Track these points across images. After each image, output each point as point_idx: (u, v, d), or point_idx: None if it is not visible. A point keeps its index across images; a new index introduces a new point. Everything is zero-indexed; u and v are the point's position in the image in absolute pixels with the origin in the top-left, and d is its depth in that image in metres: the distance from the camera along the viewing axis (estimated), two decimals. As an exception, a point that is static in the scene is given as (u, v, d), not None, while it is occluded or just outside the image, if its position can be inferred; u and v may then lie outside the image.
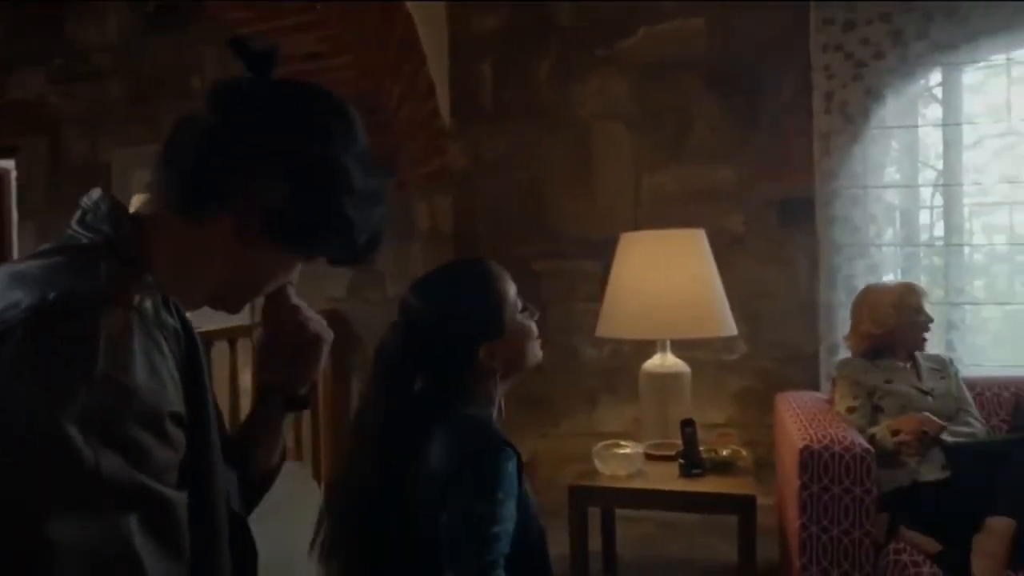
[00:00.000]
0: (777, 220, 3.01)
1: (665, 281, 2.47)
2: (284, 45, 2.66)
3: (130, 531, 0.63)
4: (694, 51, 3.10)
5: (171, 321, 0.71)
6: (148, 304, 0.69)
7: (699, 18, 3.10)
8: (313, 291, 3.00)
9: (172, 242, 0.78)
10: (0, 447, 0.60)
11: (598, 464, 2.35)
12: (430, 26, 3.10)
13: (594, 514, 2.41)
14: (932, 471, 2.14)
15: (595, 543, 2.46)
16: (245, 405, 2.54)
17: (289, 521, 1.61)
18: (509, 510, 1.14)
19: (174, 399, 0.70)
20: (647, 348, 2.70)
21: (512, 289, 1.32)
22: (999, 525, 1.94)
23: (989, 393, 2.52)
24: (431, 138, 3.25)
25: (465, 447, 1.19)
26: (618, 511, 2.67)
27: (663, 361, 2.57)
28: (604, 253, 2.97)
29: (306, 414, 2.85)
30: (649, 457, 2.42)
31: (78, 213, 0.77)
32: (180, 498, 0.69)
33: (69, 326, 0.64)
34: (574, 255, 3.25)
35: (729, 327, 2.53)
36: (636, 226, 3.00)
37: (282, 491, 1.77)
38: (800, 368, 2.94)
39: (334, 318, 2.99)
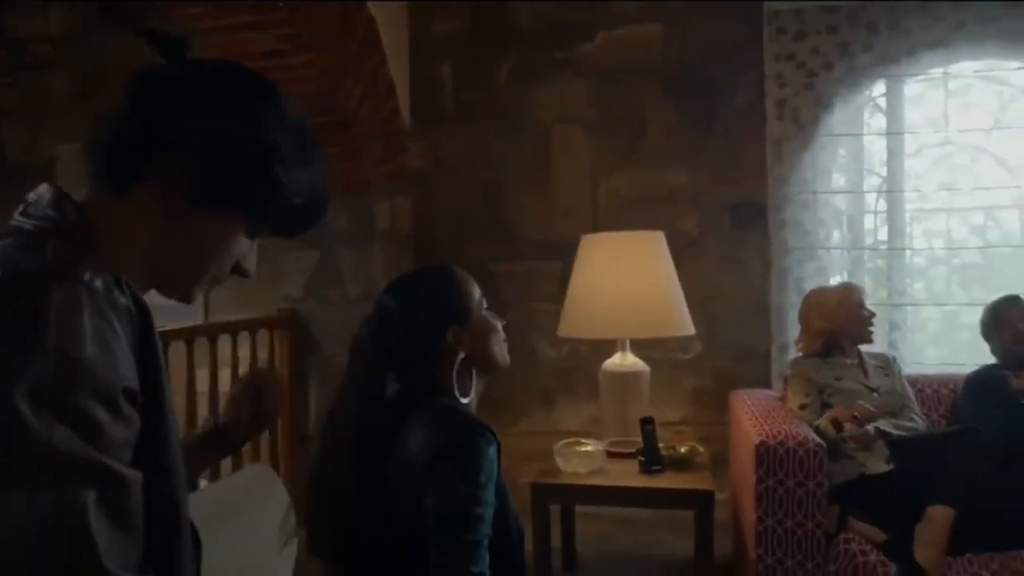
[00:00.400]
0: (731, 223, 3.10)
1: (626, 282, 2.52)
2: (243, 43, 2.62)
3: (85, 505, 0.63)
4: (652, 57, 3.18)
5: (123, 300, 0.72)
6: (98, 282, 0.69)
7: (657, 24, 3.17)
8: (270, 291, 2.97)
9: (111, 227, 0.78)
10: None
11: (560, 462, 2.38)
12: (390, 27, 3.10)
13: (553, 512, 2.44)
14: (877, 464, 2.24)
15: (554, 540, 2.50)
16: (202, 407, 2.50)
17: (255, 521, 1.60)
18: (490, 493, 1.19)
19: (128, 375, 0.69)
20: (604, 348, 2.75)
21: (477, 291, 1.41)
22: (939, 514, 2.05)
23: (929, 390, 2.66)
24: (391, 138, 3.24)
25: (446, 432, 1.22)
26: (576, 508, 2.71)
27: (623, 360, 2.62)
28: (563, 254, 3.02)
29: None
30: (610, 454, 2.47)
31: (21, 206, 0.78)
32: (135, 476, 0.69)
33: (18, 302, 0.65)
34: (533, 256, 3.29)
35: (688, 327, 2.60)
36: (594, 228, 3.06)
37: (246, 491, 1.75)
38: (752, 367, 3.04)
39: (292, 319, 2.96)
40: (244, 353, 2.72)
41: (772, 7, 2.98)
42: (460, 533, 1.13)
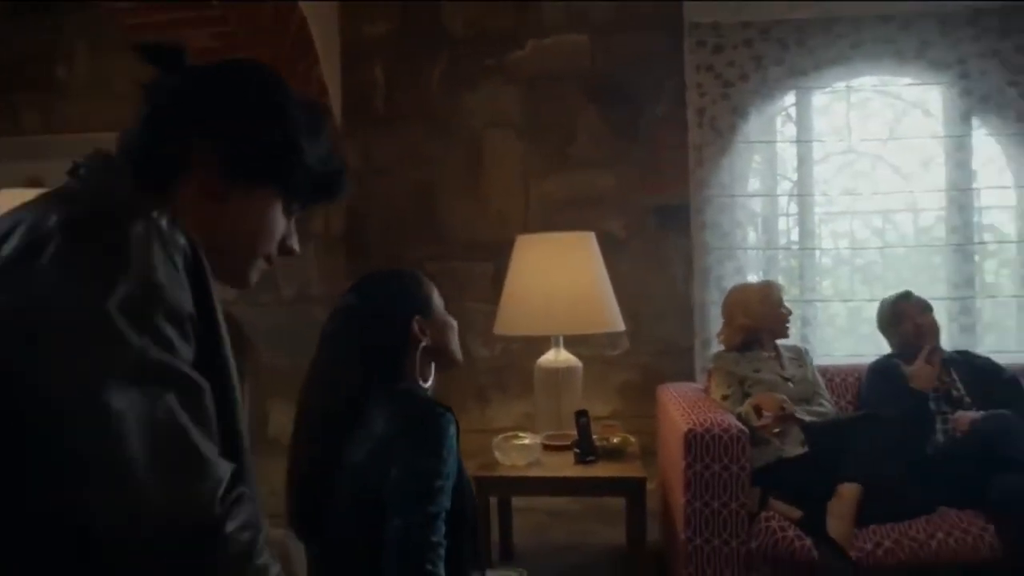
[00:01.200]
0: (655, 225, 3.25)
1: (560, 280, 2.62)
2: (176, 39, 2.59)
3: (174, 406, 0.69)
4: (579, 65, 3.29)
5: (180, 238, 0.78)
6: (164, 220, 0.76)
7: (583, 35, 3.29)
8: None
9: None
10: (56, 333, 0.66)
11: (498, 455, 2.45)
12: (322, 28, 3.10)
13: (491, 506, 2.51)
14: (793, 448, 2.42)
15: (492, 534, 2.57)
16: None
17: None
18: (451, 467, 1.27)
19: (188, 303, 0.76)
20: (536, 346, 2.84)
21: (436, 293, 1.52)
22: (847, 490, 2.23)
23: (838, 379, 2.87)
24: (323, 139, 3.23)
25: (410, 410, 1.31)
26: (511, 501, 2.79)
27: (557, 356, 2.72)
28: (495, 255, 3.10)
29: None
30: (546, 447, 2.55)
31: (70, 167, 0.82)
32: (207, 384, 0.75)
33: (102, 234, 0.72)
34: (465, 257, 3.34)
35: (618, 323, 2.72)
36: (525, 229, 3.14)
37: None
38: (676, 361, 3.19)
39: (225, 320, 2.91)
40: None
41: (692, 21, 3.16)
42: (422, 503, 1.21)
